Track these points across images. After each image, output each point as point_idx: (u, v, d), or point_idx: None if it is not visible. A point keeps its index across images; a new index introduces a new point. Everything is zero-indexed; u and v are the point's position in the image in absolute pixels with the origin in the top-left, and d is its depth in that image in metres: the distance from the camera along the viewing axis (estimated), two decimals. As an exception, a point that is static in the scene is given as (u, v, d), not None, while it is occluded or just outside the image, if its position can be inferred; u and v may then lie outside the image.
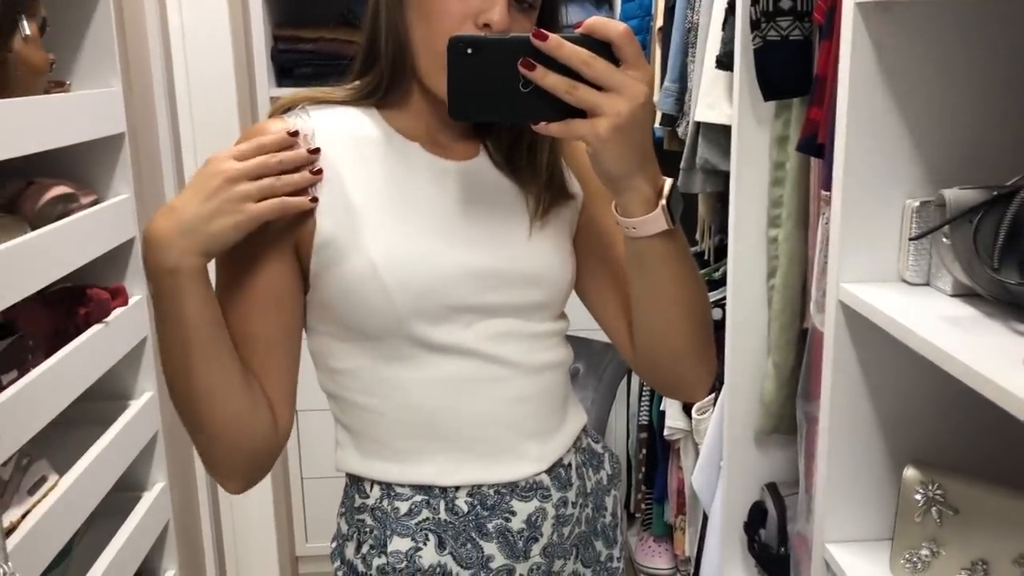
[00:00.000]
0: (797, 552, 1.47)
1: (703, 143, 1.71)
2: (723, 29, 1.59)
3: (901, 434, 1.14)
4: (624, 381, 2.48)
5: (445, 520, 0.92)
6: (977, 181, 1.00)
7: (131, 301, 1.50)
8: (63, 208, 1.33)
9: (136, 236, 1.53)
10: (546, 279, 0.93)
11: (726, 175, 1.65)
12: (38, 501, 1.20)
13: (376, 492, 0.94)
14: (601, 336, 1.17)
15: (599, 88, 0.74)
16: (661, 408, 2.22)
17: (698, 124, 1.72)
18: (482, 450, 0.92)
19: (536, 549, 0.94)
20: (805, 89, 1.35)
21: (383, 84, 0.90)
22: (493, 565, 0.93)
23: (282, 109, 0.92)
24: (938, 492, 1.08)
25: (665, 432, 2.17)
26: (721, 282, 2.07)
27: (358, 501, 0.96)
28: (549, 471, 0.95)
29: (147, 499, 1.59)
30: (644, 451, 2.48)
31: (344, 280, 0.87)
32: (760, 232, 1.54)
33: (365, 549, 0.94)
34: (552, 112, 0.76)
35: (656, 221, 0.81)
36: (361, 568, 0.94)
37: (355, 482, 0.97)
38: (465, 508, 0.92)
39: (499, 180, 0.94)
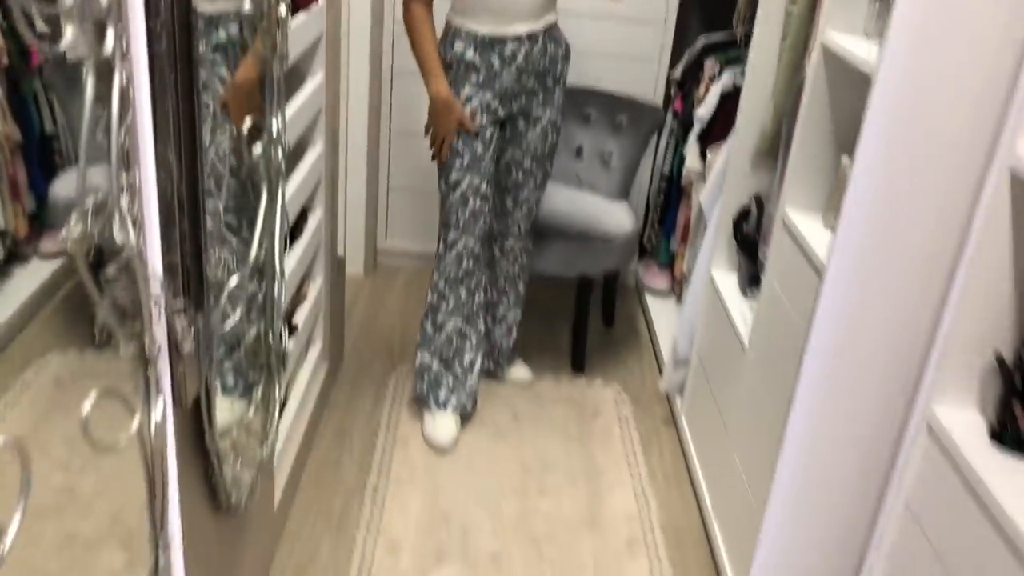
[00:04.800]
0: (766, 233, 2.13)
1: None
2: None
3: (842, 136, 1.76)
4: (654, 138, 3.07)
5: (479, 45, 2.19)
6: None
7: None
8: None
9: None
10: None
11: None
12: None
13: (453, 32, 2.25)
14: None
15: None
16: (683, 153, 2.83)
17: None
18: (503, 20, 2.16)
19: (514, 65, 2.22)
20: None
21: None
22: (496, 68, 2.22)
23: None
24: (860, 172, 1.71)
25: (684, 172, 2.79)
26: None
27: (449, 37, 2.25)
28: (528, 36, 2.21)
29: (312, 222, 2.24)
30: (662, 196, 3.12)
31: None
32: (780, 7, 2.09)
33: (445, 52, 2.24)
34: None
35: None
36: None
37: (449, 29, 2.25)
38: (489, 42, 2.19)
39: None
